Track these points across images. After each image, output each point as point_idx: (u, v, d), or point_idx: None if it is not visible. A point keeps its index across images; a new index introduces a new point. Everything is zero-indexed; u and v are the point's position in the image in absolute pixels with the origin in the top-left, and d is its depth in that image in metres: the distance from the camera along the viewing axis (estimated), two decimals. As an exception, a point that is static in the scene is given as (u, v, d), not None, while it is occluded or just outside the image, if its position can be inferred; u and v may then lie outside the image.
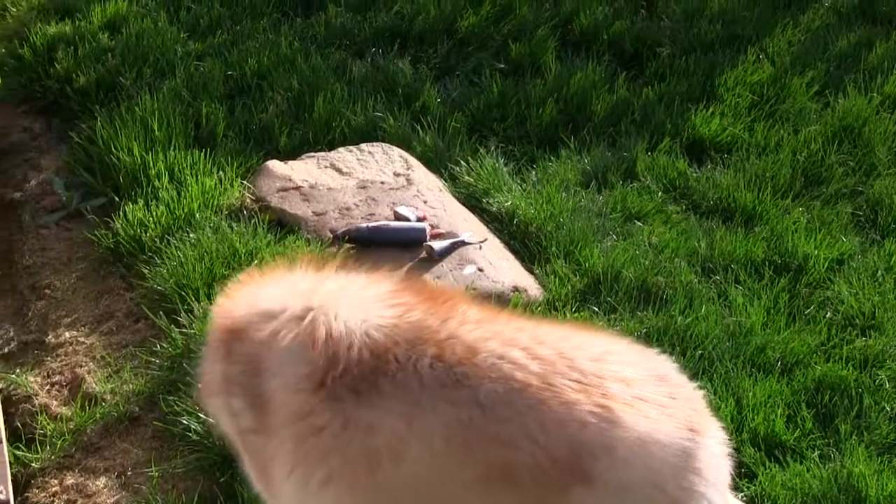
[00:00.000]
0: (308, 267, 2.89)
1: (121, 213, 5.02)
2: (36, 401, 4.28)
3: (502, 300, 4.62)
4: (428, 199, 5.18)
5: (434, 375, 2.59)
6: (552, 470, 2.54)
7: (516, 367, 2.58)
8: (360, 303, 2.73)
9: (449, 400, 2.57)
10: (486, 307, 2.85)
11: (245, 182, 5.28)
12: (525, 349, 2.62)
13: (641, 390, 2.61)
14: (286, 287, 2.82)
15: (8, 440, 3.94)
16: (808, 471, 4.01)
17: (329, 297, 2.72)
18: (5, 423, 3.97)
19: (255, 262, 4.62)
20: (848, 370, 4.48)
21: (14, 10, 6.57)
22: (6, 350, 4.64)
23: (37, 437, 4.13)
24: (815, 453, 4.11)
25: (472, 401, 2.56)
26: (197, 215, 4.96)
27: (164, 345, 4.34)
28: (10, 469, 3.91)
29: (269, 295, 2.81)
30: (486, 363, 2.59)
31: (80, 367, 4.41)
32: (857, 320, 4.79)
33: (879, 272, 5.07)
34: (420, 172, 5.41)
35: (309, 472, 2.69)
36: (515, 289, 4.71)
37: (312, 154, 5.51)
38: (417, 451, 2.59)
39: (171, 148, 5.36)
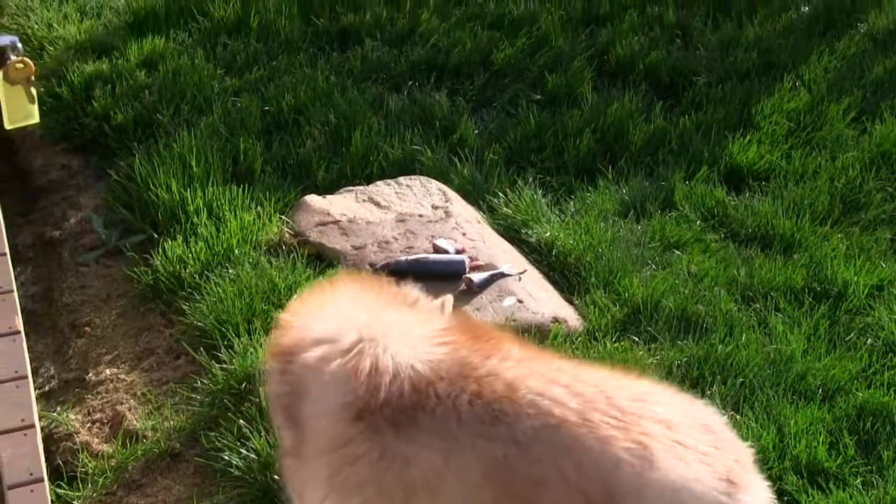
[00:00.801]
0: (373, 292, 2.91)
1: (160, 249, 5.03)
2: (77, 438, 4.29)
3: (542, 331, 4.61)
4: (467, 232, 5.18)
5: (473, 412, 2.57)
6: None
7: (555, 403, 2.55)
8: (410, 339, 2.71)
9: (486, 436, 2.55)
10: (529, 346, 2.83)
11: (283, 217, 5.28)
12: (565, 386, 2.60)
13: (683, 436, 2.55)
14: (345, 314, 2.82)
15: (49, 478, 3.93)
16: (850, 498, 3.97)
17: (382, 330, 2.72)
18: (47, 461, 3.97)
19: (295, 297, 4.63)
20: (890, 396, 4.44)
21: (51, 49, 6.62)
22: (47, 388, 4.65)
23: (78, 474, 4.14)
24: (858, 480, 4.07)
25: (510, 438, 2.54)
26: (236, 251, 4.97)
27: (204, 381, 4.34)
28: (53, 507, 3.91)
29: (327, 320, 2.81)
30: (525, 400, 2.56)
31: (121, 404, 4.41)
32: (900, 346, 4.77)
33: (920, 298, 5.04)
34: (458, 205, 5.40)
35: (343, 501, 2.68)
36: (555, 319, 4.69)
37: (350, 188, 5.52)
38: (453, 486, 2.57)
39: (210, 184, 5.37)
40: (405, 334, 2.73)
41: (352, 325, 2.76)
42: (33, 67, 5.13)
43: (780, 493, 4.06)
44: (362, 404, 2.63)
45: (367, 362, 2.64)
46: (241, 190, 5.36)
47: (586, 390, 2.59)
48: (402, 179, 5.57)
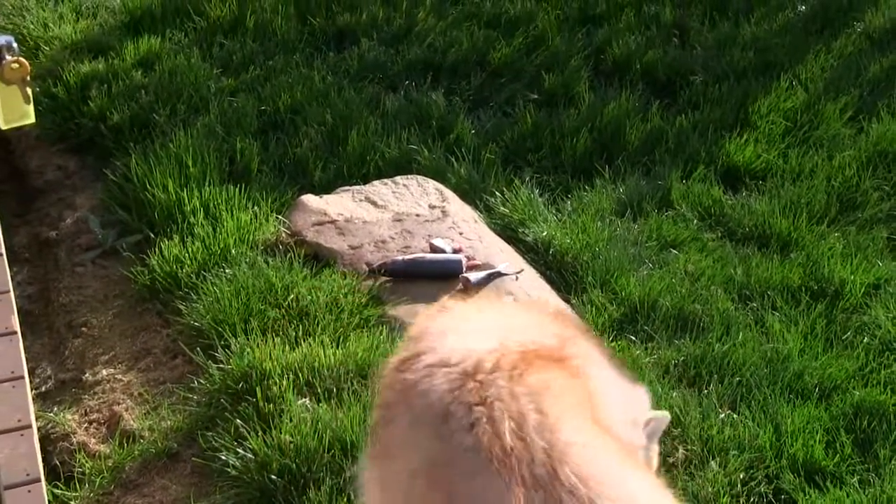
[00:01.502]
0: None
1: (156, 249, 5.02)
2: (74, 439, 4.28)
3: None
4: (464, 231, 5.18)
5: None
6: None
7: None
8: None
9: None
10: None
11: (280, 217, 5.28)
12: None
13: None
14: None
15: (46, 479, 3.93)
16: (847, 496, 3.98)
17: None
18: (44, 461, 3.96)
19: (291, 296, 4.63)
20: (886, 395, 4.45)
21: (47, 49, 6.61)
22: (44, 389, 4.64)
23: (75, 475, 4.13)
24: (855, 479, 4.08)
25: None
26: (233, 251, 4.96)
27: (201, 381, 4.34)
28: (50, 507, 3.91)
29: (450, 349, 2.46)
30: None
31: (118, 404, 4.41)
32: (895, 345, 4.76)
33: (917, 296, 5.05)
34: (455, 204, 5.40)
35: None
36: (552, 319, 4.69)
37: (347, 188, 5.52)
38: None
39: (206, 184, 5.37)
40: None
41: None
42: (29, 67, 5.13)
43: (776, 492, 4.07)
44: None
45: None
46: (237, 190, 5.35)
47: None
48: (398, 179, 5.56)
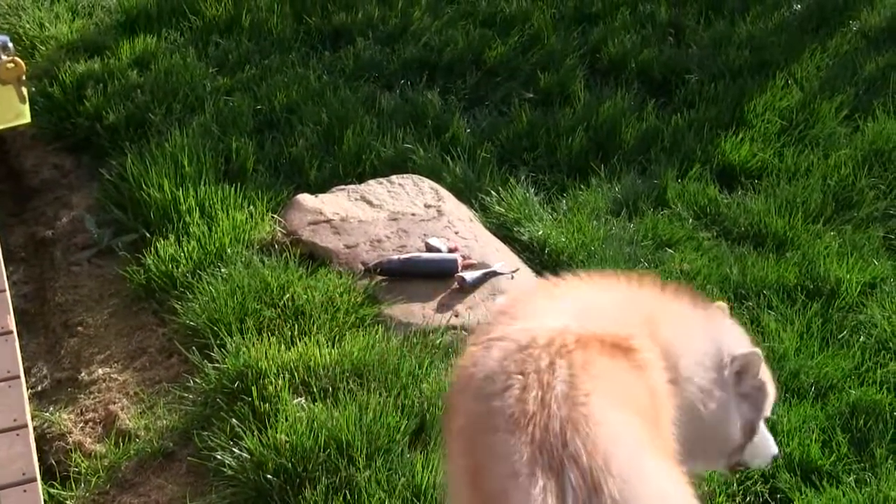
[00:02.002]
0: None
1: (152, 249, 5.03)
2: (70, 438, 4.28)
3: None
4: (459, 230, 5.18)
5: None
6: None
7: None
8: None
9: None
10: None
11: (276, 216, 5.28)
12: None
13: None
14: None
15: (42, 478, 3.94)
16: (844, 495, 3.98)
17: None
18: (39, 461, 3.97)
19: (287, 295, 4.63)
20: (882, 394, 4.45)
21: (43, 48, 6.60)
22: (40, 388, 4.65)
23: (71, 474, 4.14)
24: (851, 478, 4.09)
25: None
26: (228, 250, 4.96)
27: (197, 380, 4.34)
28: (45, 507, 3.91)
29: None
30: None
31: (114, 403, 4.41)
32: (891, 344, 4.76)
33: (913, 295, 5.05)
34: (451, 203, 5.40)
35: None
36: (548, 318, 4.69)
37: (343, 187, 5.52)
38: None
39: (202, 183, 5.37)
40: None
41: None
42: (24, 67, 5.13)
43: (773, 491, 4.07)
44: None
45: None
46: (233, 189, 5.35)
47: None
48: (394, 178, 5.56)
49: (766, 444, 3.15)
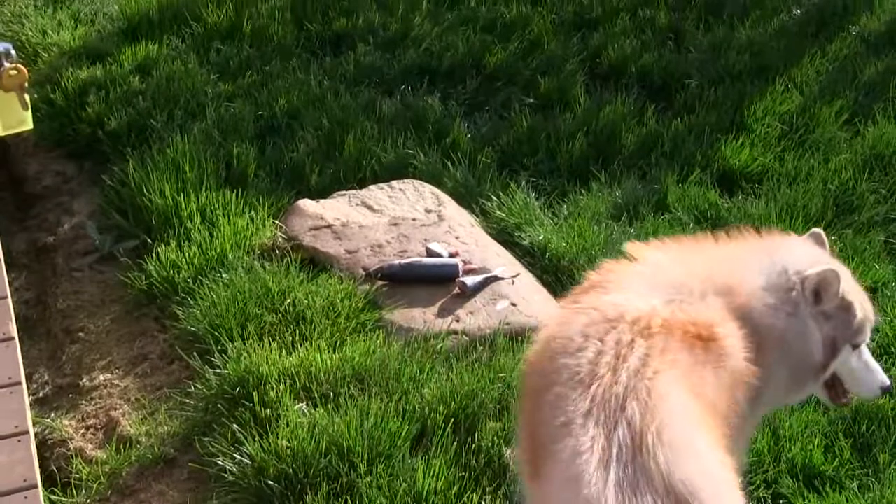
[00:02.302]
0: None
1: (153, 254, 5.03)
2: (71, 444, 4.29)
3: (536, 334, 4.61)
4: (460, 235, 5.19)
5: None
6: None
7: None
8: None
9: None
10: None
11: (277, 221, 5.29)
12: None
13: None
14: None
15: (43, 485, 3.94)
16: (847, 501, 3.98)
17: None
18: (41, 467, 3.97)
19: (288, 301, 4.64)
20: (885, 399, 4.44)
21: (46, 55, 6.62)
22: (41, 394, 4.65)
23: (72, 481, 4.14)
24: (854, 483, 4.08)
25: None
26: (229, 255, 4.97)
27: (198, 386, 4.35)
28: (47, 514, 3.92)
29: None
30: None
31: (115, 409, 4.42)
32: (893, 348, 4.76)
33: (914, 299, 5.04)
34: (451, 208, 5.41)
35: None
36: (548, 323, 4.70)
37: (344, 192, 5.53)
38: None
39: (203, 189, 5.38)
40: None
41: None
42: (27, 74, 5.14)
43: (775, 497, 4.07)
44: None
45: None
46: (234, 195, 5.36)
47: None
48: (395, 183, 5.57)
49: (868, 372, 3.22)
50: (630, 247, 3.09)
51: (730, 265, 2.99)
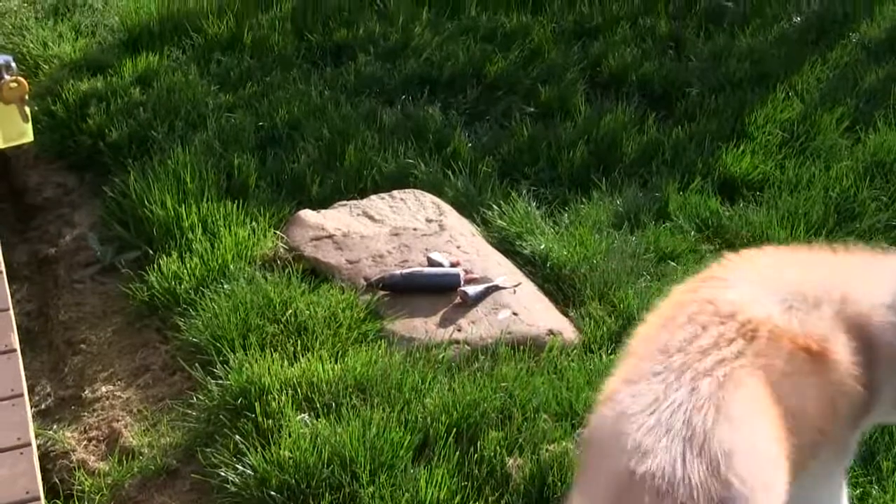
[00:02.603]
0: None
1: (155, 266, 5.03)
2: (73, 456, 4.28)
3: (538, 344, 4.61)
4: (461, 245, 5.19)
5: None
6: None
7: None
8: None
9: None
10: None
11: (278, 232, 5.29)
12: None
13: None
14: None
15: (46, 497, 3.93)
16: (850, 509, 3.98)
17: None
18: (43, 479, 3.97)
19: (290, 311, 4.64)
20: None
21: (46, 67, 6.63)
22: (43, 406, 4.65)
23: (74, 493, 4.13)
24: (858, 490, 4.07)
25: None
26: (231, 266, 4.97)
27: (200, 397, 4.34)
28: (49, 526, 3.92)
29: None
30: None
31: (117, 421, 4.42)
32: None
33: (917, 306, 5.03)
34: (452, 218, 5.41)
35: None
36: (551, 332, 4.70)
37: (345, 202, 5.53)
38: None
39: (204, 200, 5.38)
40: None
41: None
42: (27, 87, 5.15)
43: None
44: None
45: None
46: (235, 205, 5.37)
47: None
48: (396, 193, 5.58)
49: None
50: (746, 252, 3.15)
51: (850, 277, 3.01)
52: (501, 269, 5.07)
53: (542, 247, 5.26)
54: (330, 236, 5.20)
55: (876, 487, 4.08)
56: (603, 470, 2.51)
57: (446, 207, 5.49)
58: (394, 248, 5.14)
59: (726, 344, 2.65)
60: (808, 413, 2.73)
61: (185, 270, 4.96)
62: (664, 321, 2.81)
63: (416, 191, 5.60)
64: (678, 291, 3.01)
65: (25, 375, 4.33)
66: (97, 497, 4.08)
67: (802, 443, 2.68)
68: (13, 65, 5.32)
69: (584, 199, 5.74)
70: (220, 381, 4.31)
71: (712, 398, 2.48)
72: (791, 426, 2.63)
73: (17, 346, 4.43)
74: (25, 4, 7.45)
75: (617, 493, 2.42)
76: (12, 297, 4.89)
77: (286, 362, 4.38)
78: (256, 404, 4.11)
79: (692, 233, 5.52)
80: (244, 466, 3.91)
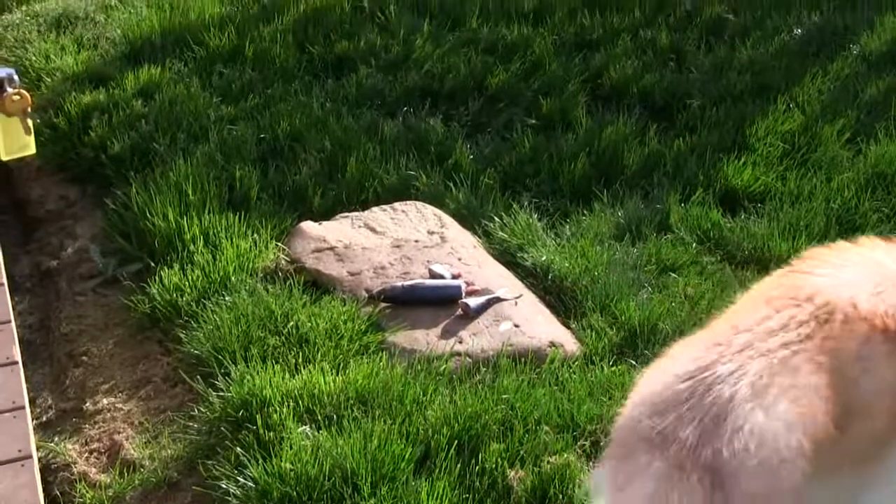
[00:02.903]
0: None
1: (156, 278, 5.04)
2: (75, 469, 4.28)
3: (539, 355, 4.61)
4: (462, 257, 5.19)
5: None
6: None
7: None
8: None
9: None
10: None
11: (280, 244, 5.29)
12: None
13: None
14: None
15: (47, 509, 3.94)
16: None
17: None
18: (44, 492, 3.97)
19: (291, 323, 4.64)
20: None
21: (49, 80, 6.64)
22: (45, 418, 4.65)
23: (76, 505, 4.14)
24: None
25: None
26: (232, 278, 4.97)
27: (201, 409, 4.34)
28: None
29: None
30: None
31: (119, 433, 4.41)
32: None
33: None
34: (454, 230, 5.42)
35: None
36: (552, 344, 4.70)
37: (346, 214, 5.53)
38: None
39: (206, 212, 5.39)
40: None
41: None
42: (30, 99, 5.15)
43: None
44: None
45: None
46: (237, 217, 5.37)
47: None
48: (397, 205, 5.58)
49: None
50: (842, 243, 3.18)
51: None
52: (503, 281, 5.07)
53: (543, 258, 5.26)
54: (331, 248, 5.20)
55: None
56: (628, 407, 2.72)
57: (448, 219, 5.49)
58: (395, 259, 5.15)
59: (796, 326, 2.70)
60: (884, 396, 2.74)
61: (186, 282, 4.96)
62: (748, 302, 2.92)
63: (417, 203, 5.61)
64: (772, 276, 3.11)
65: (27, 387, 4.33)
66: (98, 509, 4.08)
67: (875, 427, 2.74)
68: (16, 77, 5.31)
69: (585, 211, 5.74)
70: (222, 393, 4.31)
71: (754, 379, 2.56)
72: (851, 415, 2.67)
73: (18, 358, 4.43)
74: (28, 17, 7.46)
75: (624, 434, 2.67)
76: (14, 309, 4.89)
77: (287, 374, 4.37)
78: (258, 416, 4.11)
79: (693, 245, 5.51)
80: (245, 479, 3.91)
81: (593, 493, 2.93)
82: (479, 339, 4.68)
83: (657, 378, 2.71)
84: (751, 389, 2.53)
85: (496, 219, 5.56)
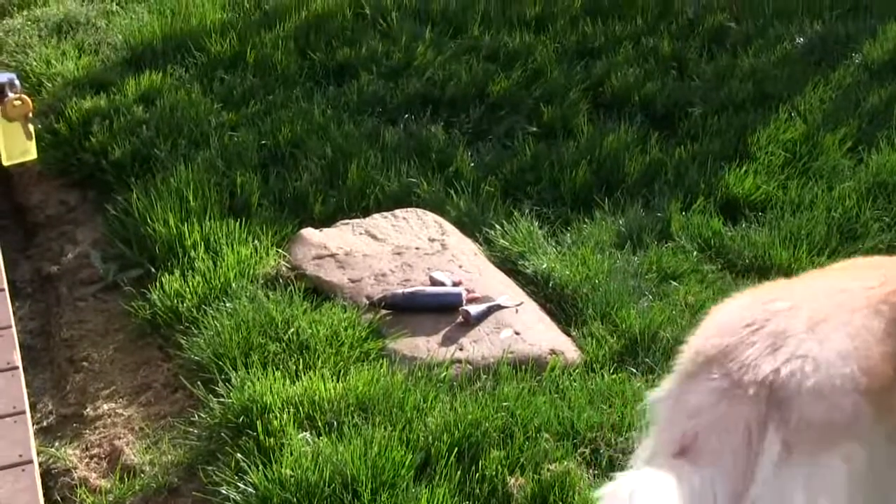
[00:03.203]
0: None
1: (157, 283, 5.03)
2: (75, 474, 4.28)
3: (540, 363, 4.61)
4: (463, 264, 5.19)
5: None
6: None
7: None
8: None
9: None
10: None
11: (280, 250, 5.29)
12: None
13: None
14: None
15: (48, 514, 3.94)
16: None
17: None
18: (45, 496, 3.97)
19: (292, 330, 4.63)
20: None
21: (50, 85, 6.64)
22: (45, 423, 4.65)
23: (76, 510, 4.14)
24: None
25: None
26: (233, 284, 4.97)
27: (202, 415, 4.34)
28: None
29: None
30: None
31: (119, 438, 4.41)
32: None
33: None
34: (455, 237, 5.41)
35: None
36: (553, 351, 4.70)
37: (347, 221, 5.53)
38: None
39: (207, 218, 5.38)
40: None
41: None
42: (31, 104, 5.15)
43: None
44: None
45: None
46: (238, 224, 5.36)
47: None
48: (398, 212, 5.58)
49: None
50: None
51: None
52: (503, 289, 5.07)
53: (544, 266, 5.26)
54: (332, 255, 5.20)
55: None
56: (699, 329, 3.01)
57: (449, 226, 5.49)
58: (396, 266, 5.14)
59: (861, 280, 2.93)
60: None
61: (187, 288, 4.96)
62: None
63: (418, 210, 5.60)
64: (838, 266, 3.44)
65: (27, 393, 4.33)
66: (99, 515, 4.08)
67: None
68: (17, 82, 5.31)
69: (586, 219, 5.74)
70: (222, 400, 4.31)
71: (811, 314, 2.79)
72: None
73: (19, 363, 4.43)
74: (29, 22, 7.46)
75: (690, 353, 2.89)
76: (14, 314, 4.89)
77: (288, 381, 4.37)
78: (258, 422, 4.10)
79: (694, 253, 5.52)
80: (246, 485, 3.90)
81: (648, 416, 3.06)
82: (479, 346, 4.68)
83: (726, 308, 3.01)
84: (807, 323, 2.75)
85: (497, 226, 5.55)
